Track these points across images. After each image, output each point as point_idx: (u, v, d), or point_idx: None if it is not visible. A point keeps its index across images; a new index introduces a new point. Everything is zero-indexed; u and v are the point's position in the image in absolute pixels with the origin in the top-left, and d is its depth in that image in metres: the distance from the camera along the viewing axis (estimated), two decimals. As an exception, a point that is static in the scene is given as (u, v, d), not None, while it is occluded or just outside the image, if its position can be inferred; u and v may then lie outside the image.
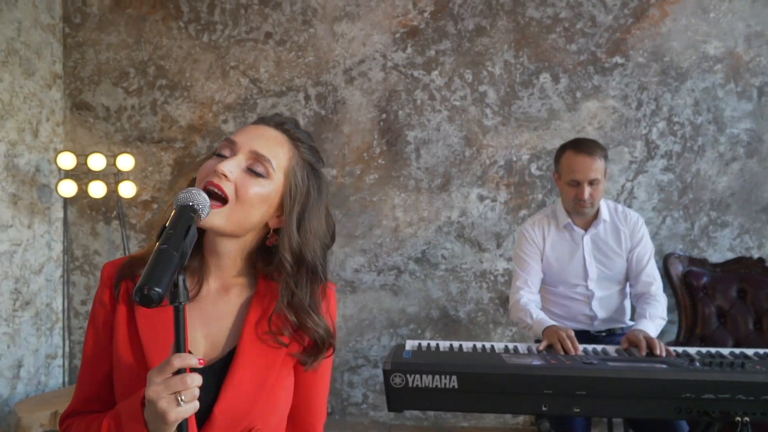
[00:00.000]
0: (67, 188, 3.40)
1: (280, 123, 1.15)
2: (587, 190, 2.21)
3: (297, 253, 1.10)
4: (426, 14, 3.62)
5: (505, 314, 3.66)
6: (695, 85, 3.50)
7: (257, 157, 1.07)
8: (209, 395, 1.03)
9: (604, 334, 2.38)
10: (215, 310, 1.12)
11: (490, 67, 3.60)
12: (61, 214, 3.76)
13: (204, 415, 1.02)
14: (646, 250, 2.33)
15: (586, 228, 2.36)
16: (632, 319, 2.36)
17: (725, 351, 1.88)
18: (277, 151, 1.10)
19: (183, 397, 0.87)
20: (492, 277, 3.65)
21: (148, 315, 1.07)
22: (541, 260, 2.41)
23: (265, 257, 1.15)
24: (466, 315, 3.68)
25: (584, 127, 3.55)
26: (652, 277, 2.29)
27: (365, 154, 3.69)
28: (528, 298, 2.31)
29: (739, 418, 1.52)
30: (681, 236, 3.55)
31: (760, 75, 3.46)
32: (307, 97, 3.70)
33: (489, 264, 3.66)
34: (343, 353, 3.75)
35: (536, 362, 1.70)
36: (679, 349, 1.92)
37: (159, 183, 3.79)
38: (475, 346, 1.95)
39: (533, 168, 3.60)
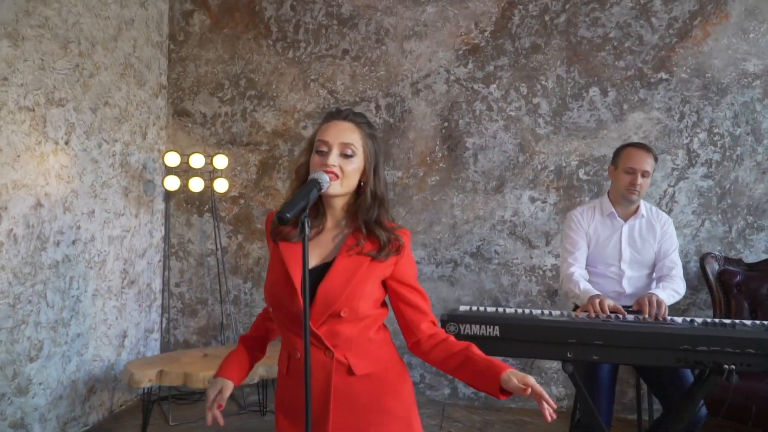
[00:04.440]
0: (172, 183, 3.95)
1: (345, 116, 1.65)
2: (639, 179, 2.63)
3: (374, 192, 1.64)
4: (486, 33, 4.04)
5: (552, 306, 4.02)
6: (735, 99, 3.80)
7: (345, 146, 1.60)
8: (317, 286, 1.57)
9: (630, 308, 2.74)
10: (327, 239, 1.67)
11: (544, 81, 3.98)
12: (161, 206, 4.32)
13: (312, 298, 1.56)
14: (672, 243, 2.71)
15: (626, 219, 2.75)
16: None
17: (727, 321, 2.22)
18: (354, 136, 1.61)
19: None
20: (540, 272, 4.02)
21: (288, 246, 1.63)
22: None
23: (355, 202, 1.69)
24: (515, 306, 4.05)
25: (630, 137, 3.90)
26: (673, 263, 2.66)
27: (428, 158, 4.12)
28: (578, 272, 2.70)
29: (726, 366, 1.86)
30: (719, 238, 3.84)
31: (798, 90, 3.74)
32: (377, 107, 4.16)
33: (538, 260, 4.03)
34: (402, 338, 4.16)
35: (562, 318, 2.09)
36: (688, 318, 2.28)
37: (246, 181, 4.31)
38: (516, 310, 2.34)
39: (581, 173, 3.96)
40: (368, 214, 1.63)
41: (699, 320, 2.24)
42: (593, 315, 2.26)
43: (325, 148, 1.60)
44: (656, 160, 2.72)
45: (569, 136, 3.97)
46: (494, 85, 4.04)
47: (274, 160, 4.28)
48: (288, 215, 1.36)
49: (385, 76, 4.16)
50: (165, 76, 4.34)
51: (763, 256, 3.78)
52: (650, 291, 2.45)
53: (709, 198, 3.85)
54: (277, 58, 4.26)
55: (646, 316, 2.24)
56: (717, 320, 2.19)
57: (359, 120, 1.66)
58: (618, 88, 3.91)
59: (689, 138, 3.85)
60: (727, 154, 3.83)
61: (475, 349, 1.61)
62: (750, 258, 3.79)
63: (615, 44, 3.91)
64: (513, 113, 4.03)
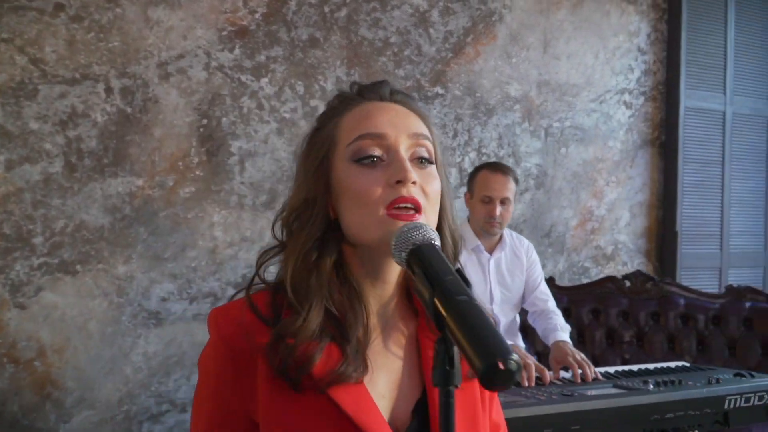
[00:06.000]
0: None
1: (391, 93, 0.90)
2: (499, 209, 2.25)
3: (453, 237, 0.89)
4: (257, 15, 3.31)
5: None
6: (499, 121, 3.85)
7: (418, 141, 0.84)
8: None
9: None
10: (385, 359, 0.84)
11: (322, 82, 3.44)
12: None
13: None
14: (539, 270, 2.47)
15: (491, 252, 2.38)
16: (525, 339, 2.45)
17: (634, 367, 2.07)
18: (423, 126, 0.87)
19: None
20: (317, 302, 3.45)
21: (345, 393, 0.78)
22: None
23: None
24: (288, 344, 3.40)
25: (408, 152, 3.62)
26: (546, 294, 2.42)
27: (180, 164, 3.18)
28: None
29: (690, 432, 1.68)
30: (486, 259, 3.84)
31: (547, 118, 3.97)
32: (108, 90, 3.04)
33: (314, 288, 3.45)
34: (142, 399, 3.13)
35: (531, 402, 1.61)
36: (610, 370, 2.05)
37: None
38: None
39: (360, 189, 3.53)
40: None
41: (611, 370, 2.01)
42: (536, 378, 1.83)
43: (378, 151, 0.81)
44: (517, 181, 2.42)
45: (348, 147, 3.50)
46: (266, 79, 3.33)
47: (-68, 155, 2.79)
48: (516, 358, 0.57)
49: (120, 49, 3.07)
50: None
51: (522, 275, 3.90)
52: (558, 341, 2.12)
53: (478, 218, 3.82)
54: (-60, -1, 2.78)
55: (583, 377, 1.90)
56: (656, 367, 1.98)
57: (414, 103, 0.90)
58: (398, 98, 3.60)
59: (461, 157, 3.77)
60: (493, 174, 3.85)
61: None
62: (511, 277, 3.87)
63: (395, 50, 3.60)
64: (287, 115, 3.38)
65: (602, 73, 4.10)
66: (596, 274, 4.13)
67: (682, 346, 3.43)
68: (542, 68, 3.95)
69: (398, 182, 0.79)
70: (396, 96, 0.89)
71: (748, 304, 3.21)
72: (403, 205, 0.78)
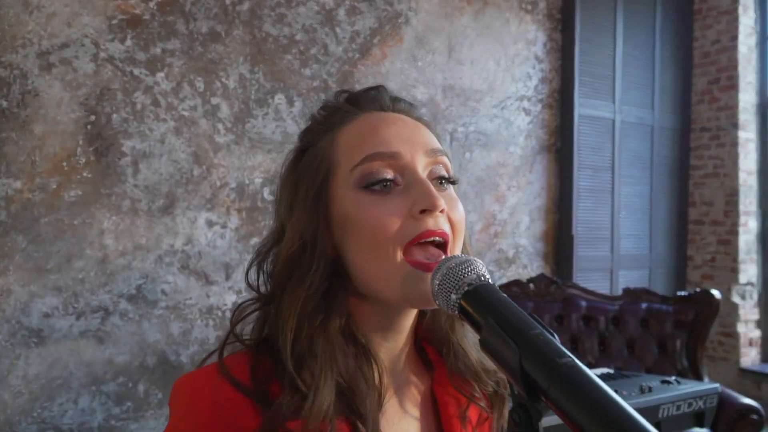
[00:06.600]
0: None
1: (395, 102, 0.76)
2: None
3: None
4: (152, 4, 3.06)
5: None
6: (406, 125, 3.82)
7: (435, 157, 0.71)
8: None
9: None
10: (400, 423, 0.71)
11: (224, 79, 3.25)
12: None
13: None
14: None
15: None
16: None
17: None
18: (435, 139, 0.75)
19: None
20: (220, 313, 3.25)
21: None
22: None
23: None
24: (189, 359, 3.17)
25: (315, 154, 3.50)
26: None
27: (65, 164, 2.88)
28: None
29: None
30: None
31: (452, 122, 4.00)
32: (-22, 80, 2.69)
33: (217, 298, 3.25)
34: (23, 427, 2.79)
35: None
36: None
37: None
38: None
39: (266, 193, 3.37)
40: (453, 330, 0.74)
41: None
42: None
43: (390, 174, 0.68)
44: None
45: (253, 148, 3.33)
46: (162, 74, 3.09)
47: None
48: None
49: (-8, 34, 2.73)
50: None
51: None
52: None
53: (386, 222, 3.77)
54: None
55: None
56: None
57: (417, 111, 0.78)
58: (304, 98, 3.48)
59: (369, 160, 3.70)
60: (400, 178, 3.82)
61: None
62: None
63: (301, 49, 3.47)
64: (187, 113, 3.15)
65: (503, 79, 4.19)
66: (499, 277, 4.21)
67: (584, 347, 3.54)
68: (447, 72, 3.97)
69: (423, 212, 0.66)
70: (398, 104, 0.76)
71: (644, 305, 3.38)
72: (430, 239, 0.66)
